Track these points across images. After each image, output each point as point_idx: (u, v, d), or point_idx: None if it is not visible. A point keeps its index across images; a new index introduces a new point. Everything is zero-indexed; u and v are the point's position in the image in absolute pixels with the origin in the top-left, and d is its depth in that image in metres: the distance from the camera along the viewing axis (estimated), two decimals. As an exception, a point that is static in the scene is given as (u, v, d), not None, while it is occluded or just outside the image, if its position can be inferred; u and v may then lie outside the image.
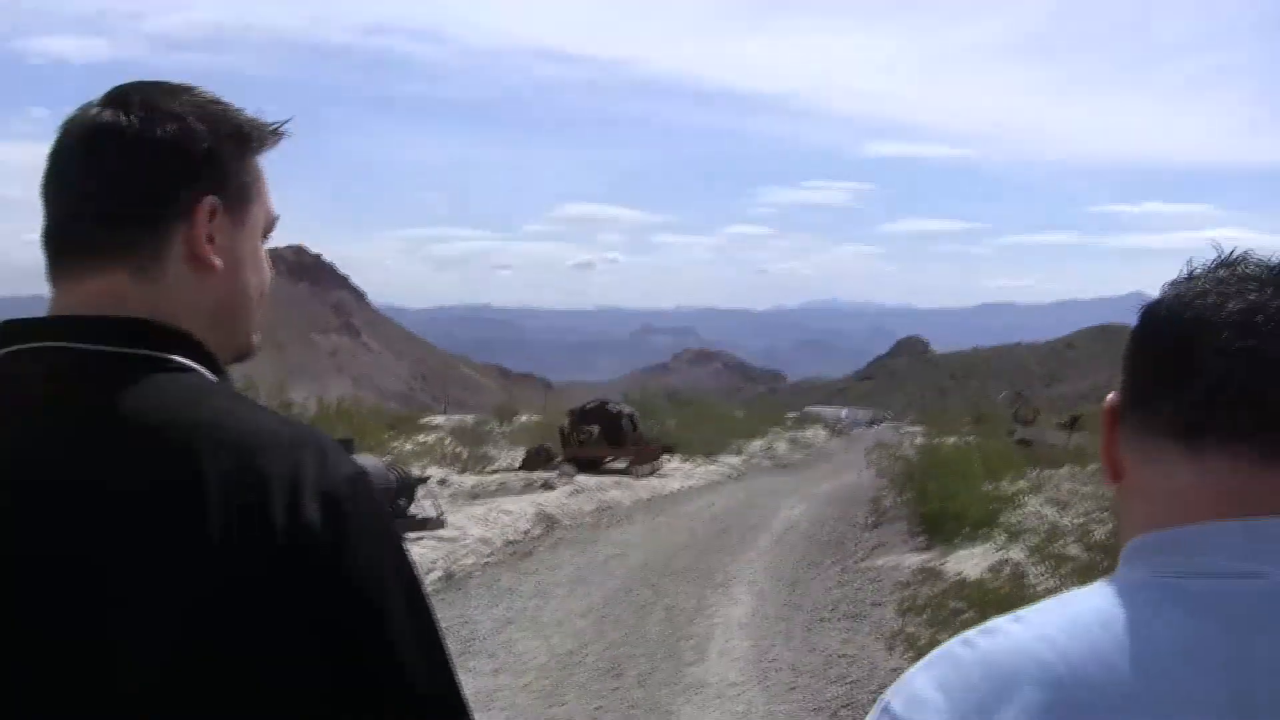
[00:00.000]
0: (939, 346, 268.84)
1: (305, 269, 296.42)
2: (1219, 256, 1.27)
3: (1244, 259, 1.26)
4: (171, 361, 1.44)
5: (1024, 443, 33.70)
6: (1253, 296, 1.20)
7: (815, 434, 63.21)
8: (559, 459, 28.78)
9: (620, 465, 30.19)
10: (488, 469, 27.97)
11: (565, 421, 32.23)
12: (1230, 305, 1.20)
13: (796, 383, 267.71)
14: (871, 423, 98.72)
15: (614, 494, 24.96)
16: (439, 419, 39.96)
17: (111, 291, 1.46)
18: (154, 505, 1.31)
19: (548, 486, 23.72)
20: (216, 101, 1.56)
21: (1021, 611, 1.23)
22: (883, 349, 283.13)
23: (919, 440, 39.03)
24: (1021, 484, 20.93)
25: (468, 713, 1.41)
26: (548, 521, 19.94)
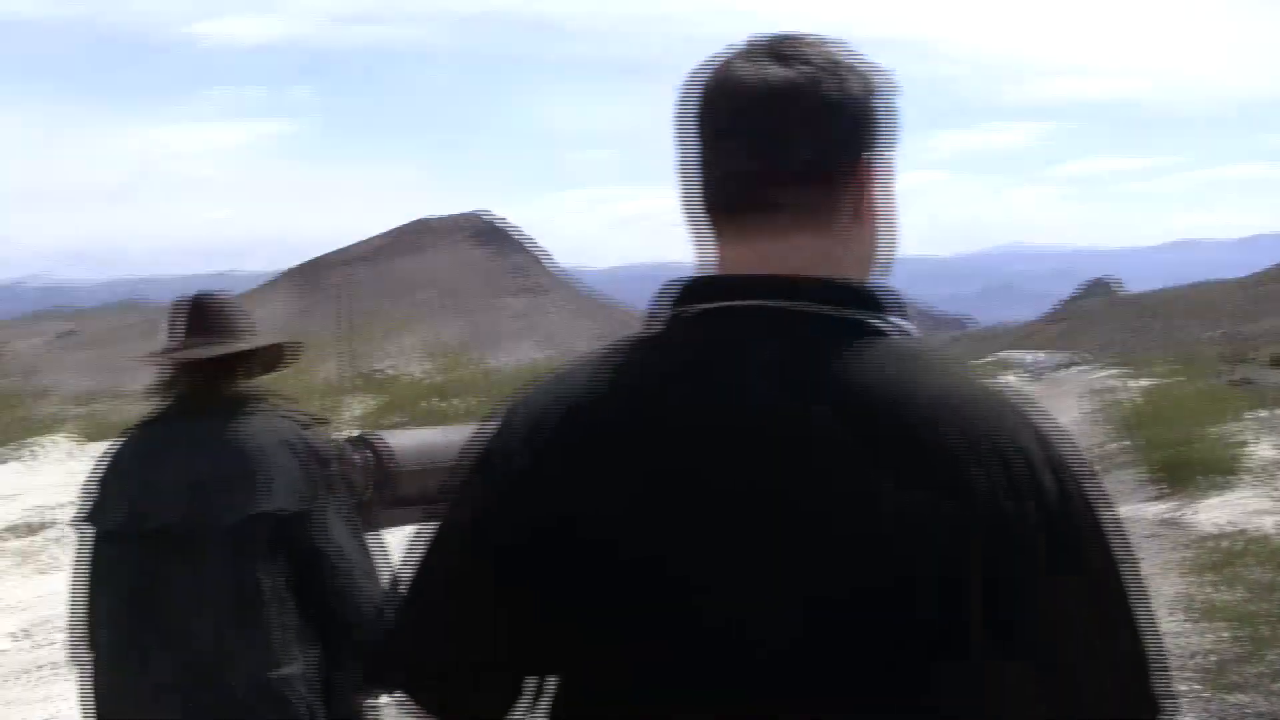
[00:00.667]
0: (1129, 287, 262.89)
1: (487, 234, 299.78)
2: None
3: None
4: (868, 325, 1.46)
5: (1244, 381, 32.25)
6: None
7: (1010, 379, 62.14)
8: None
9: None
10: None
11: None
12: None
13: (983, 329, 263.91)
14: (1063, 366, 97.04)
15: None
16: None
17: (795, 249, 1.48)
18: (928, 466, 1.37)
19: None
20: (859, 54, 1.53)
21: None
22: (1070, 291, 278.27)
23: (1130, 383, 37.55)
24: (1250, 424, 19.62)
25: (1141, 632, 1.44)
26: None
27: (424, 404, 18.56)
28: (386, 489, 14.94)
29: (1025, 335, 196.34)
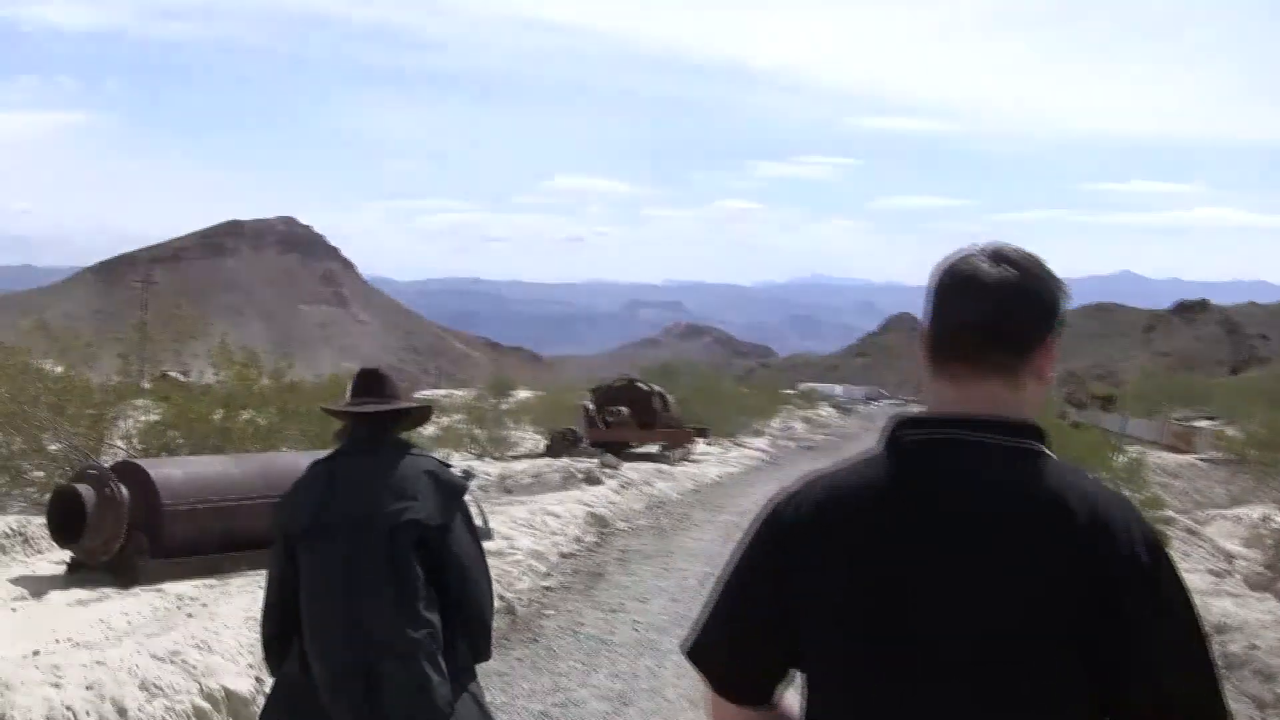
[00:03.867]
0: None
1: (295, 240, 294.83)
2: None
3: None
4: (1037, 448, 2.15)
5: (1076, 425, 31.70)
6: None
7: (827, 413, 61.69)
8: (585, 442, 26.26)
9: (647, 449, 27.67)
10: (509, 454, 25.32)
11: (587, 400, 29.55)
12: None
13: (786, 358, 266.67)
14: (869, 400, 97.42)
15: (660, 486, 22.49)
16: (436, 393, 37.71)
17: (992, 394, 2.19)
18: (1062, 542, 2.05)
19: (591, 480, 20.79)
20: (1049, 265, 2.27)
21: None
22: (871, 325, 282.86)
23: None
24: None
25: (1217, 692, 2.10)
26: (600, 525, 17.16)
27: (213, 417, 16.35)
28: (153, 532, 11.51)
29: (828, 367, 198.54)
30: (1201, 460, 25.87)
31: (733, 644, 2.28)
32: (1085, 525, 2.05)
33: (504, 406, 34.82)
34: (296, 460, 13.22)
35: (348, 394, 4.60)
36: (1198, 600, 2.20)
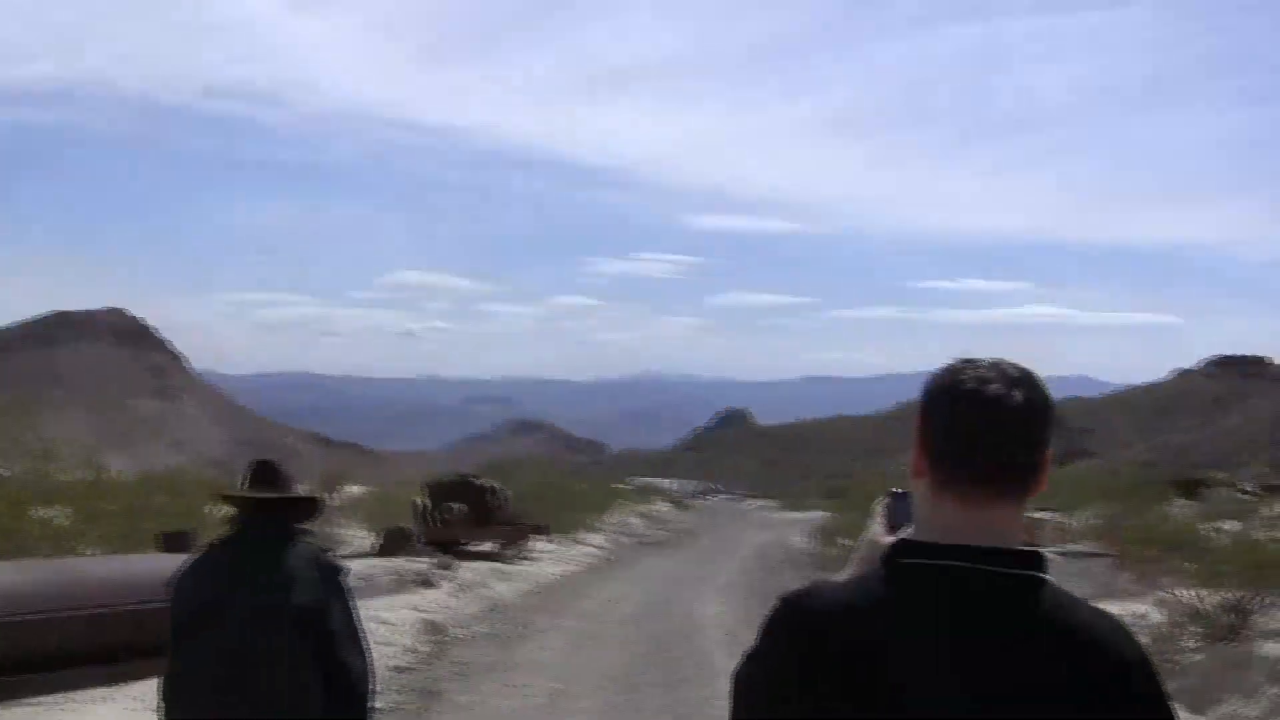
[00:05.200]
0: (763, 419, 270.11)
1: (124, 333, 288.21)
2: None
3: None
4: (1041, 578, 2.18)
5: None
6: None
7: (662, 508, 61.05)
8: (420, 541, 24.98)
9: (483, 547, 26.48)
10: (339, 553, 23.85)
11: (420, 496, 28.23)
12: None
13: (619, 453, 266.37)
14: (702, 494, 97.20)
15: (499, 588, 21.33)
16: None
17: (1007, 520, 2.20)
18: (1064, 684, 2.11)
19: (426, 583, 19.51)
20: (1042, 378, 2.31)
21: None
22: (705, 420, 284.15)
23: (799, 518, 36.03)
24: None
25: None
26: (436, 634, 15.89)
27: (15, 518, 14.81)
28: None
29: (663, 461, 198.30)
30: (1058, 554, 25.32)
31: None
32: (1097, 660, 2.14)
33: (334, 502, 33.41)
34: (106, 565, 11.83)
35: (244, 481, 4.88)
36: None
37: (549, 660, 14.73)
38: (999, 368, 2.24)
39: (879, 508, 2.52)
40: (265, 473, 4.86)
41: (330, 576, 4.75)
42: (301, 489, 5.06)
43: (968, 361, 2.28)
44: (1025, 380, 2.23)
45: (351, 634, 4.71)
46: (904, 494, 2.48)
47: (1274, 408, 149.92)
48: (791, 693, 2.21)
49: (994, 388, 2.20)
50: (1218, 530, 19.10)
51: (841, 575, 2.40)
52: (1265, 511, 31.91)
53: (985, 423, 2.19)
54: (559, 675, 13.39)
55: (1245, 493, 51.68)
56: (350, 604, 4.80)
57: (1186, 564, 14.99)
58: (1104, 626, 2.20)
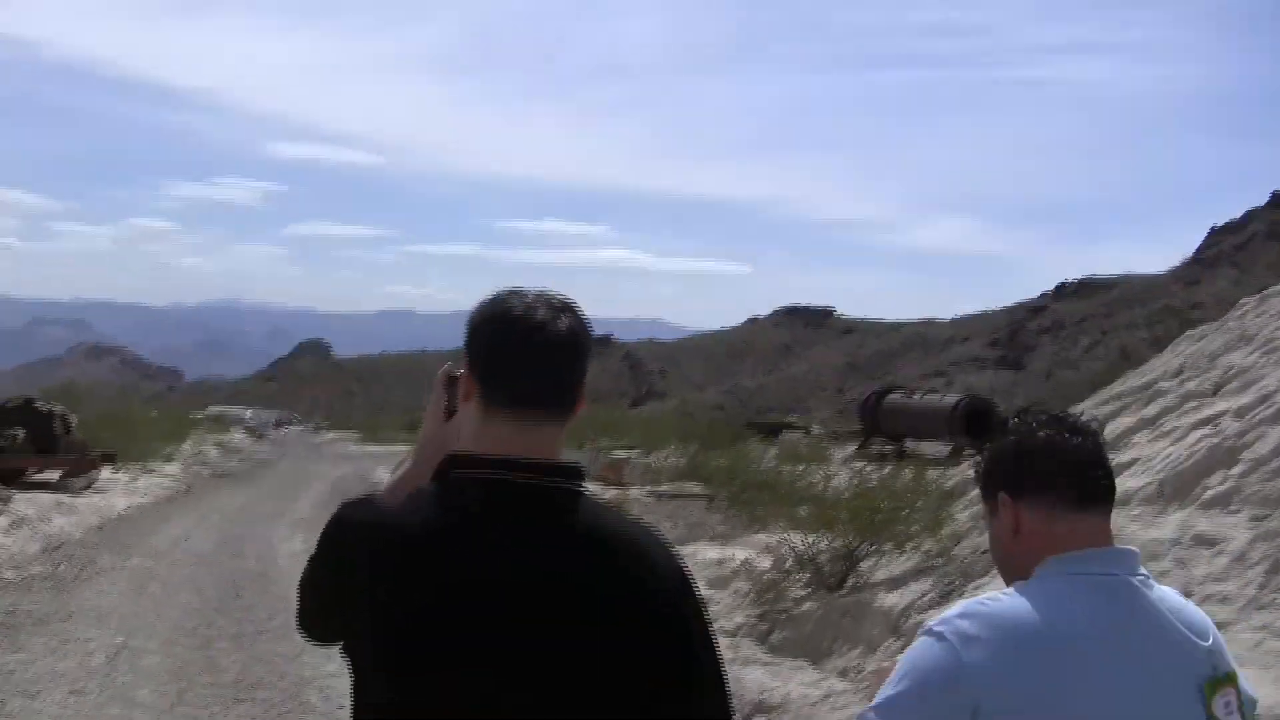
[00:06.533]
0: (342, 350, 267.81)
1: None
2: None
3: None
4: (579, 489, 2.39)
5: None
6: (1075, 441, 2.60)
7: (239, 438, 59.59)
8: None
9: (46, 477, 24.81)
10: None
11: (-28, 423, 26.12)
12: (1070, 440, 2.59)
13: (195, 382, 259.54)
14: (279, 424, 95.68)
15: (59, 522, 19.67)
16: None
17: (551, 439, 2.39)
18: (599, 580, 2.29)
19: (-25, 517, 17.86)
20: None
21: (994, 593, 2.45)
22: (284, 350, 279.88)
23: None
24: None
25: (729, 697, 2.40)
26: (-15, 578, 14.29)
27: None
28: None
29: (239, 391, 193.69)
30: (648, 495, 25.49)
31: (313, 610, 2.49)
32: (632, 563, 2.32)
33: None
34: None
35: None
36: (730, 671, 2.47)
37: (112, 608, 13.37)
38: (544, 296, 2.42)
39: (438, 386, 2.63)
40: None
41: None
42: None
43: (514, 291, 2.44)
44: (568, 309, 2.43)
45: None
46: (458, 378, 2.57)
47: (837, 357, 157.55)
48: (337, 600, 2.37)
49: (539, 314, 2.38)
50: (800, 474, 19.19)
51: (398, 472, 2.62)
52: (840, 454, 33.21)
53: (530, 347, 2.36)
54: (123, 626, 12.17)
55: (815, 435, 54.00)
56: None
57: (796, 510, 14.75)
58: (638, 534, 2.40)
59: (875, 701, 2.41)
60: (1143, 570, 2.49)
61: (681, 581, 2.37)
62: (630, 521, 2.46)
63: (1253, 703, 2.55)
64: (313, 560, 2.45)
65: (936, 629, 2.37)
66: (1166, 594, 2.50)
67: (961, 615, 2.37)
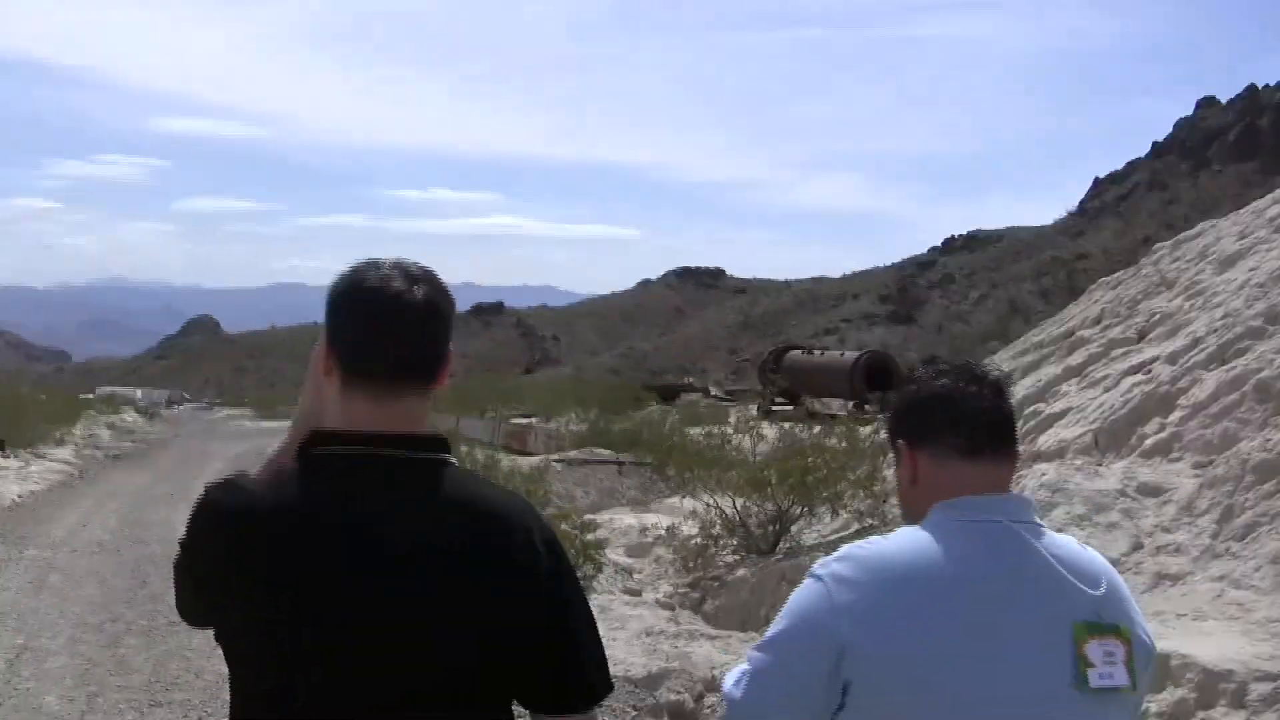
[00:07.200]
0: (231, 326, 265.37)
1: None
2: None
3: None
4: (446, 459, 2.35)
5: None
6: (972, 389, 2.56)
7: (131, 418, 58.53)
8: None
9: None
10: None
11: None
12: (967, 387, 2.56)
13: (84, 362, 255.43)
14: (171, 403, 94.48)
15: (-53, 514, 18.77)
16: None
17: (414, 410, 2.35)
18: (467, 551, 2.25)
19: None
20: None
21: (876, 537, 2.46)
22: (173, 328, 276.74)
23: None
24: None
25: (607, 667, 2.40)
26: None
27: None
28: None
29: (130, 370, 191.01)
30: (557, 461, 25.11)
31: (189, 597, 2.47)
32: (498, 530, 2.28)
33: None
34: None
35: None
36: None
37: (10, 605, 12.52)
38: (401, 266, 2.37)
39: (315, 360, 2.50)
40: None
41: None
42: None
43: (371, 262, 2.39)
44: (426, 278, 2.37)
45: None
46: None
47: (730, 316, 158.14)
48: (207, 587, 2.37)
49: (396, 285, 2.32)
50: (728, 437, 18.85)
51: (272, 449, 2.54)
52: (740, 414, 32.95)
53: (389, 319, 2.32)
54: (23, 626, 11.37)
55: (714, 397, 53.98)
56: None
57: (726, 474, 14.31)
58: (506, 500, 2.39)
59: (758, 641, 2.47)
60: (1034, 518, 2.48)
61: (551, 547, 2.36)
62: (499, 489, 2.47)
63: (1147, 655, 2.49)
64: (182, 546, 2.40)
65: (816, 571, 2.41)
66: (1058, 540, 2.48)
67: (839, 558, 2.40)
